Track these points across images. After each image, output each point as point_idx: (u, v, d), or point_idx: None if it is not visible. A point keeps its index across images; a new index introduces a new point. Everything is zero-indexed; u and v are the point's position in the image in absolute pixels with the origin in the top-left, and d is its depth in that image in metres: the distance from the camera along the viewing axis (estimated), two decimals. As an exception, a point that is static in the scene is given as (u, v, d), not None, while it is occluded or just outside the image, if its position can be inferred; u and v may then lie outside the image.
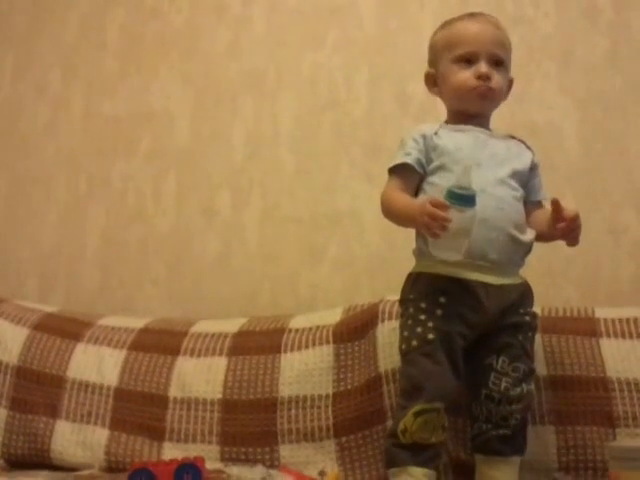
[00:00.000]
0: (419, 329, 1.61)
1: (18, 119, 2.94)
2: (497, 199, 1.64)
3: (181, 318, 2.37)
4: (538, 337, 1.84)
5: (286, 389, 2.00)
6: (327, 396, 1.96)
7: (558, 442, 1.76)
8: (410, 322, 1.65)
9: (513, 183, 1.70)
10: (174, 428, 2.05)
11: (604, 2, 2.39)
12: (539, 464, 1.74)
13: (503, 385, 1.63)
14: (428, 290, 1.64)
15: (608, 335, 1.86)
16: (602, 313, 1.92)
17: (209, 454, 1.96)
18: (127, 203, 2.73)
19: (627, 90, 2.32)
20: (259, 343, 2.10)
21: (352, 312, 2.08)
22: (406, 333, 1.65)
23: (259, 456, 1.95)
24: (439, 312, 1.61)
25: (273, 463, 1.93)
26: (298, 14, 2.69)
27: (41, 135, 2.90)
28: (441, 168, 1.68)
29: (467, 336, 1.63)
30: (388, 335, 1.91)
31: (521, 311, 1.69)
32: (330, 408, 1.94)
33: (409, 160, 1.70)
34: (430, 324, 1.61)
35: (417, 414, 1.54)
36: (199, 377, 2.09)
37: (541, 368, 1.82)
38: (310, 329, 2.08)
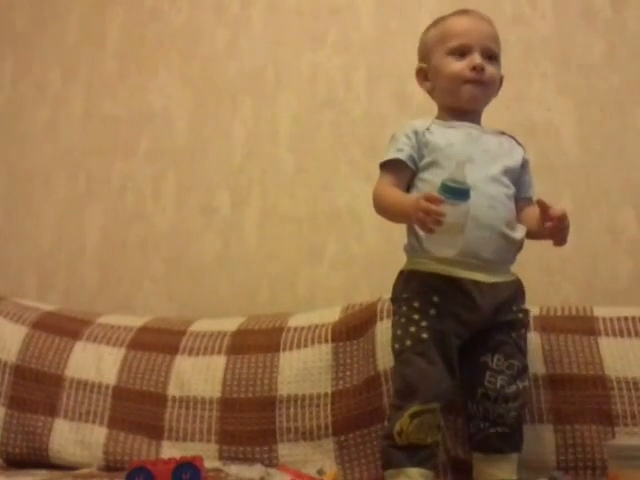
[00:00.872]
0: (412, 328, 1.61)
1: (18, 118, 2.94)
2: (489, 197, 1.63)
3: (180, 317, 2.37)
4: (537, 336, 1.85)
5: (285, 388, 2.00)
6: (326, 395, 1.96)
7: (557, 441, 1.76)
8: (403, 321, 1.64)
9: (505, 180, 1.69)
10: (173, 427, 2.05)
11: (601, 3, 2.40)
12: (538, 463, 1.74)
13: (499, 383, 1.63)
14: (421, 289, 1.63)
15: (606, 334, 1.86)
16: (600, 312, 1.92)
17: (208, 453, 1.96)
18: (126, 202, 2.73)
19: (625, 90, 2.32)
20: (258, 342, 2.10)
21: (351, 311, 2.09)
22: (399, 332, 1.64)
23: (258, 455, 1.95)
24: (433, 311, 1.61)
25: (272, 462, 1.93)
26: (297, 14, 2.70)
27: (41, 134, 2.90)
28: (433, 164, 1.68)
29: (461, 335, 1.63)
30: (387, 334, 1.87)
31: (514, 308, 1.68)
32: (329, 407, 1.94)
33: (401, 156, 1.69)
34: (424, 323, 1.60)
35: (413, 415, 1.53)
36: (198, 376, 2.09)
37: (540, 367, 1.82)
38: (309, 328, 2.08)
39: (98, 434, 2.09)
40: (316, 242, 2.48)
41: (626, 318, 1.89)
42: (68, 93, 2.91)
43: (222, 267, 2.57)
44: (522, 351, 1.69)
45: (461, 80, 1.71)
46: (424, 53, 1.83)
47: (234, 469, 1.86)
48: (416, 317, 1.61)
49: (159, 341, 2.20)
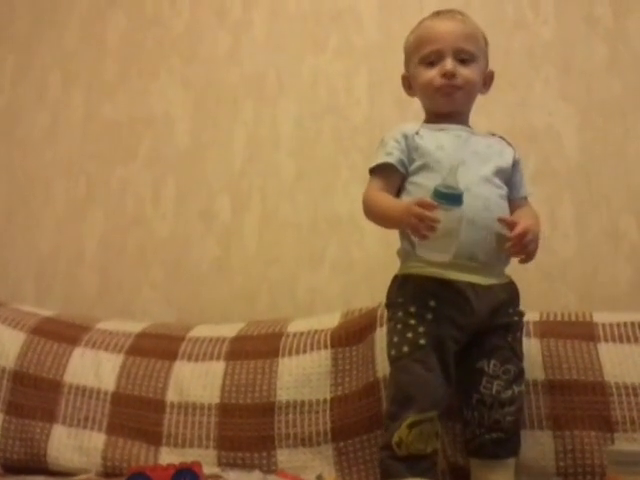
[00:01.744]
0: (409, 334, 1.60)
1: (18, 123, 2.94)
2: (483, 199, 1.63)
3: (179, 322, 2.37)
4: (536, 341, 1.85)
5: (284, 394, 1.99)
6: (325, 401, 1.96)
7: (556, 447, 1.75)
8: (400, 327, 1.63)
9: (497, 181, 1.69)
10: (171, 433, 2.04)
11: (603, 9, 2.40)
12: (537, 469, 1.73)
13: (495, 388, 1.62)
14: (417, 293, 1.62)
15: (606, 340, 1.85)
16: (600, 318, 1.92)
17: (206, 459, 1.95)
18: (126, 207, 2.73)
19: (626, 96, 2.32)
20: (257, 347, 2.10)
21: (350, 316, 2.08)
22: (396, 338, 1.63)
23: (256, 461, 1.95)
24: (429, 316, 1.60)
25: (270, 468, 1.92)
26: (298, 19, 2.70)
27: (41, 139, 2.90)
28: (423, 168, 1.67)
29: (459, 339, 1.62)
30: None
31: (510, 311, 1.68)
32: (328, 413, 1.94)
33: (391, 160, 1.69)
34: (421, 329, 1.59)
35: (411, 425, 1.52)
36: (197, 382, 2.09)
37: (539, 372, 1.82)
38: (308, 333, 2.08)
39: (97, 440, 2.08)
40: (316, 247, 2.48)
41: (626, 324, 1.88)
42: (68, 97, 2.91)
43: (222, 272, 2.56)
44: (518, 355, 1.68)
45: (433, 88, 1.71)
46: (405, 60, 1.84)
47: (233, 475, 1.86)
48: (412, 322, 1.60)
49: (158, 347, 2.20)
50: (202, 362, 2.12)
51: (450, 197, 1.49)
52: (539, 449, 1.75)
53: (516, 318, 1.69)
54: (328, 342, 2.03)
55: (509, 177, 1.74)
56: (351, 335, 2.01)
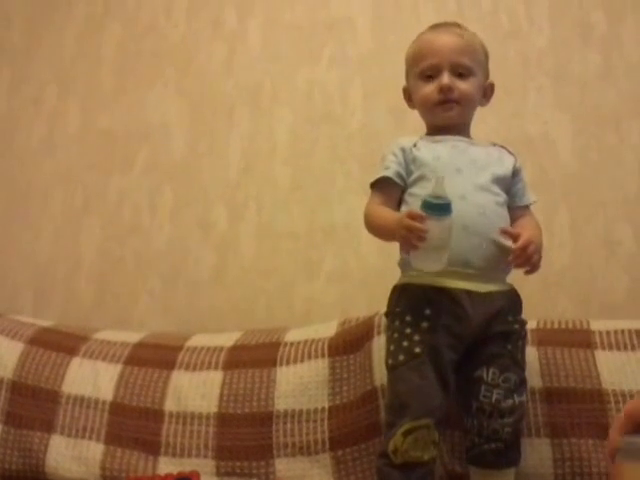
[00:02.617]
0: (405, 343, 1.61)
1: (14, 133, 2.94)
2: (479, 206, 1.63)
3: (177, 332, 2.36)
4: (533, 349, 1.85)
5: (281, 403, 1.99)
6: (323, 409, 1.95)
7: (554, 454, 1.75)
8: (396, 336, 1.64)
9: (495, 189, 1.70)
10: (170, 442, 2.03)
11: (597, 18, 2.42)
12: (535, 476, 1.73)
13: (494, 397, 1.61)
14: (413, 302, 1.64)
15: (603, 347, 1.85)
16: (597, 325, 1.92)
17: (205, 468, 1.94)
18: (123, 217, 2.73)
19: (621, 103, 2.33)
20: (254, 357, 2.10)
21: (347, 325, 2.08)
22: (392, 347, 1.64)
23: (255, 470, 1.94)
24: (425, 325, 1.60)
25: (269, 477, 1.92)
26: (294, 29, 2.71)
27: (37, 149, 2.90)
28: (421, 179, 1.69)
29: (456, 347, 1.62)
30: (383, 348, 1.86)
31: (509, 319, 1.67)
32: (326, 422, 1.94)
33: (388, 173, 1.71)
34: (416, 337, 1.60)
35: (406, 433, 1.53)
36: (195, 391, 2.08)
37: (536, 380, 1.82)
38: (305, 342, 2.07)
39: (95, 450, 2.07)
40: (313, 257, 2.48)
41: (623, 331, 1.88)
42: (64, 108, 2.91)
43: (219, 282, 2.56)
44: (519, 364, 1.68)
45: (431, 103, 1.73)
46: (406, 73, 1.85)
47: (231, 485, 1.86)
48: (408, 331, 1.61)
49: (156, 356, 2.19)
50: (200, 371, 2.12)
51: (438, 207, 1.50)
52: (537, 457, 1.75)
53: (516, 326, 1.69)
54: (325, 351, 2.03)
55: (509, 185, 1.75)
56: (348, 344, 2.01)
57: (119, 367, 2.19)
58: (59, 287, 2.73)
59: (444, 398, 1.59)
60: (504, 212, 1.70)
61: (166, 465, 2.00)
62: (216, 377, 2.09)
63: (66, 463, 2.07)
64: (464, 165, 1.68)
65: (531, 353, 1.83)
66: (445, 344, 1.60)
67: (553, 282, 2.22)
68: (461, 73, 1.72)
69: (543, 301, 2.20)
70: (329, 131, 2.58)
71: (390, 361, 1.64)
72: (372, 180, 1.75)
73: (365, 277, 2.41)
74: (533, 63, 2.43)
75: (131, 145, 2.79)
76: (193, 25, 2.84)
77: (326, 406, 1.95)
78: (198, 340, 2.23)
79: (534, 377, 1.81)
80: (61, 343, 2.27)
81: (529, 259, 1.61)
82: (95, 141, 2.84)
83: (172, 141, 2.75)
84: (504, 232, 1.62)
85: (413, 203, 1.65)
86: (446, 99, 1.71)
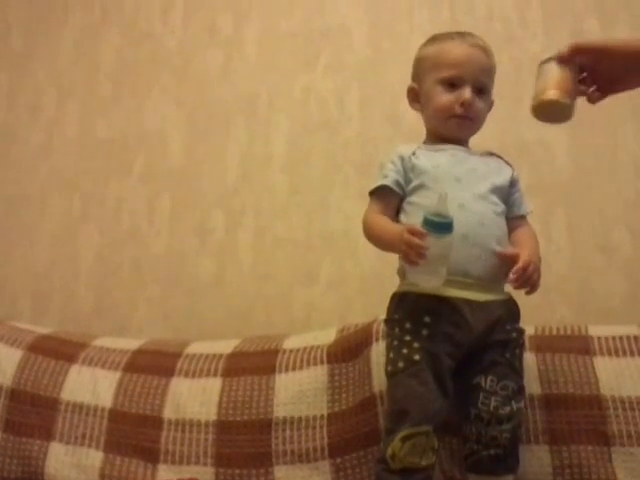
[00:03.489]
0: (405, 350, 1.61)
1: (12, 140, 2.95)
2: (478, 215, 1.64)
3: (175, 339, 2.36)
4: (532, 356, 1.85)
5: (281, 410, 1.99)
6: (322, 417, 1.95)
7: (553, 461, 1.75)
8: (396, 343, 1.64)
9: (493, 198, 1.70)
10: (169, 450, 2.03)
11: (590, 24, 2.43)
12: (534, 484, 1.74)
13: (492, 404, 1.62)
14: (412, 310, 1.64)
15: (602, 353, 1.86)
16: (595, 331, 1.92)
17: (204, 476, 1.95)
18: (121, 224, 2.73)
19: (616, 107, 2.33)
20: (253, 364, 2.10)
21: (346, 332, 2.08)
22: (392, 354, 1.65)
23: (254, 477, 1.94)
24: (424, 332, 1.61)
25: (268, 484, 1.93)
26: (290, 36, 2.72)
27: (35, 156, 2.90)
28: (420, 187, 1.69)
29: (454, 355, 1.62)
30: (382, 355, 1.87)
31: (507, 327, 1.68)
32: (325, 429, 1.94)
33: (387, 182, 1.71)
34: (416, 345, 1.60)
35: (404, 439, 1.53)
36: (194, 398, 2.08)
37: (535, 387, 1.82)
38: (304, 349, 2.08)
39: (94, 457, 2.07)
40: (311, 263, 2.49)
41: (621, 337, 1.88)
42: (62, 115, 2.92)
43: (217, 289, 2.57)
44: (517, 371, 1.68)
45: (448, 114, 1.72)
46: (417, 73, 1.83)
47: (230, 492, 1.86)
48: (408, 338, 1.62)
49: (155, 364, 2.19)
50: (199, 379, 2.12)
51: (439, 225, 1.50)
52: (536, 464, 1.75)
53: (514, 335, 1.69)
54: (324, 358, 2.03)
55: (507, 195, 1.75)
56: (347, 351, 2.01)
57: (118, 374, 2.19)
58: (57, 294, 2.73)
59: (443, 405, 1.59)
60: (502, 222, 1.71)
61: (165, 472, 2.00)
62: (215, 384, 2.09)
63: (65, 471, 2.06)
64: (463, 174, 1.69)
65: (529, 359, 1.83)
66: (444, 352, 1.60)
67: (551, 288, 2.22)
68: (481, 90, 1.73)
69: (541, 307, 2.20)
70: (326, 138, 2.59)
71: (389, 368, 1.65)
72: (371, 188, 1.75)
73: (363, 283, 2.41)
74: (527, 68, 2.43)
75: (129, 152, 2.80)
76: (190, 32, 2.85)
77: (325, 413, 1.96)
78: (197, 347, 2.23)
79: (533, 383, 1.81)
80: (60, 350, 2.26)
81: (529, 280, 1.61)
82: (93, 148, 2.85)
83: (169, 148, 2.76)
84: (502, 256, 1.63)
85: (412, 212, 1.67)
86: (465, 115, 1.71)
